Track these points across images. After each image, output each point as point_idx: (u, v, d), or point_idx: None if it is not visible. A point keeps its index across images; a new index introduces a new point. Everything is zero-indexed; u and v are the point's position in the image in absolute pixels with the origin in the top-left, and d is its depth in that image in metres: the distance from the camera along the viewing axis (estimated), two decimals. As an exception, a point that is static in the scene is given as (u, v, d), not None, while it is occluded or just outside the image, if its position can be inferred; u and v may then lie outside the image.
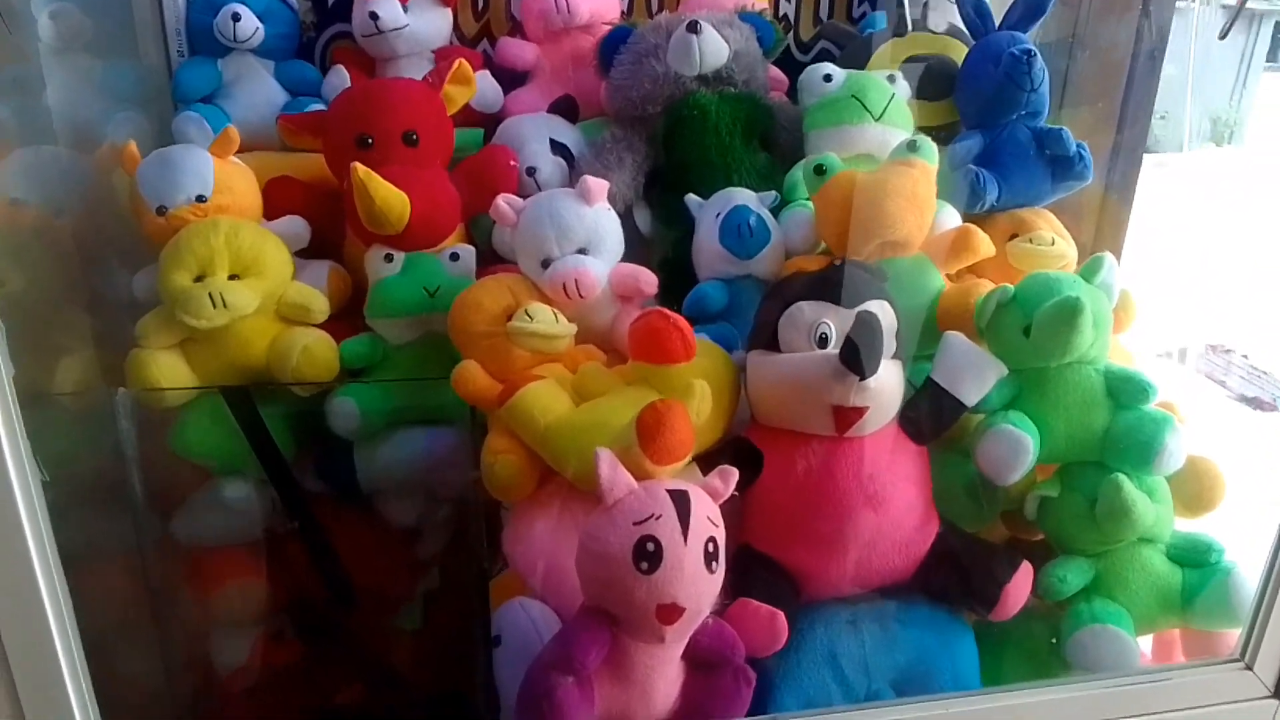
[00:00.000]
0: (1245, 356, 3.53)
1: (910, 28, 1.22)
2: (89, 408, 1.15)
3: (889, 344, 0.97)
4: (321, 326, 1.16)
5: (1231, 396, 3.32)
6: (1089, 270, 1.05)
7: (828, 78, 1.25)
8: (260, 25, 1.31)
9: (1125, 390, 1.02)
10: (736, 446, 1.02)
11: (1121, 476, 0.99)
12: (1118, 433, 1.01)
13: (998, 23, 1.27)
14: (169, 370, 1.09)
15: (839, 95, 1.24)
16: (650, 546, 0.80)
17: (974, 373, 1.01)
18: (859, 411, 0.95)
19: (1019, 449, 0.99)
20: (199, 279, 1.07)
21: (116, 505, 1.17)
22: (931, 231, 1.15)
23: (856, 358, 0.92)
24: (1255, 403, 3.24)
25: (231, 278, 1.08)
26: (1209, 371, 3.48)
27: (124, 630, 1.18)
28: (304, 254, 1.20)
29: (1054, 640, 1.04)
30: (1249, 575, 1.01)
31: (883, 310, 0.98)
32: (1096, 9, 1.51)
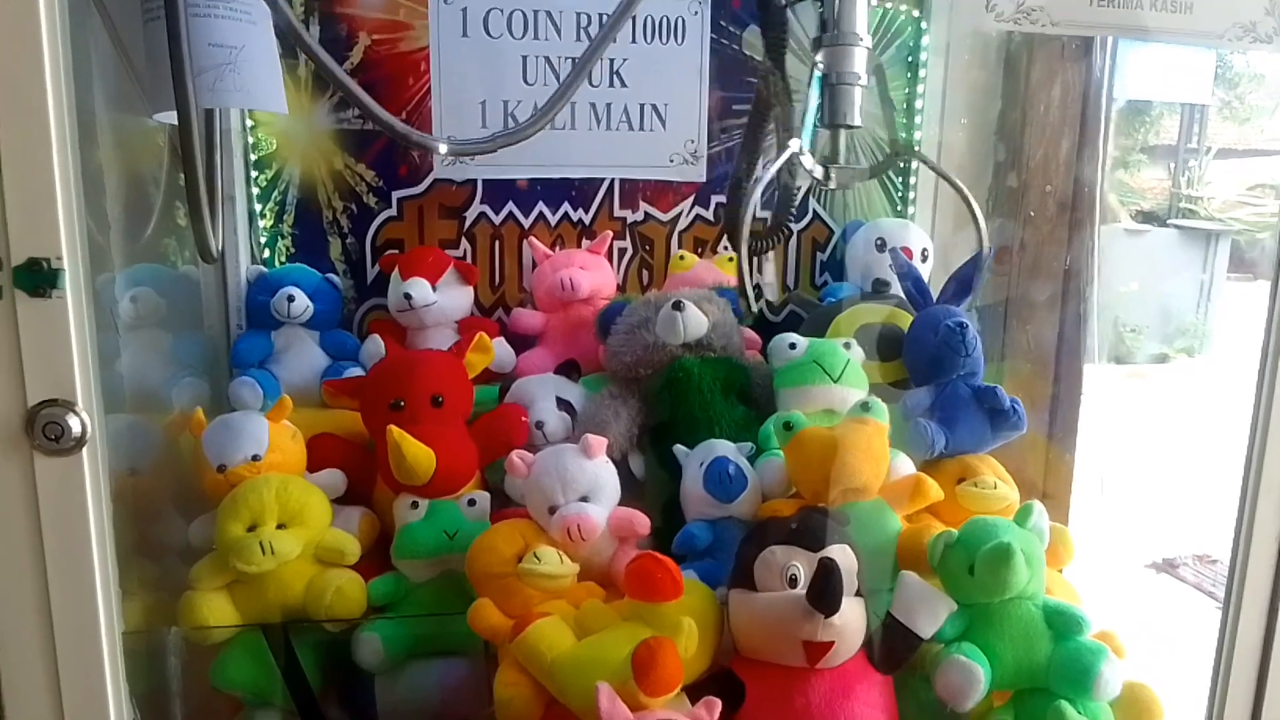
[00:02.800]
0: (1232, 568, 3.59)
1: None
2: (139, 645, 1.27)
3: (850, 584, 1.12)
4: (351, 566, 1.30)
5: (1219, 607, 3.36)
6: (1021, 516, 1.21)
7: (792, 345, 1.45)
8: (310, 303, 1.53)
9: (1061, 623, 1.15)
10: (721, 677, 1.14)
11: (1064, 703, 1.10)
12: (1058, 662, 1.13)
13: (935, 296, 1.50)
14: (217, 610, 1.22)
15: (803, 360, 1.43)
16: (644, 773, 0.92)
17: (927, 608, 1.14)
18: (826, 646, 1.08)
19: (971, 678, 1.11)
20: (251, 529, 1.23)
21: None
22: (888, 477, 1.32)
23: (821, 598, 1.06)
24: (1244, 614, 3.27)
25: (279, 527, 1.24)
26: (1198, 583, 3.54)
27: None
28: (339, 500, 1.36)
29: None
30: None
31: (843, 554, 1.14)
32: (1025, 275, 1.76)
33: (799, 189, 1.43)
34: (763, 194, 1.35)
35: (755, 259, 1.65)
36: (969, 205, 1.42)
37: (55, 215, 0.76)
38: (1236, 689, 0.99)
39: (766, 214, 1.76)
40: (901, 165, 1.71)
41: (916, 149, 1.44)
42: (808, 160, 1.29)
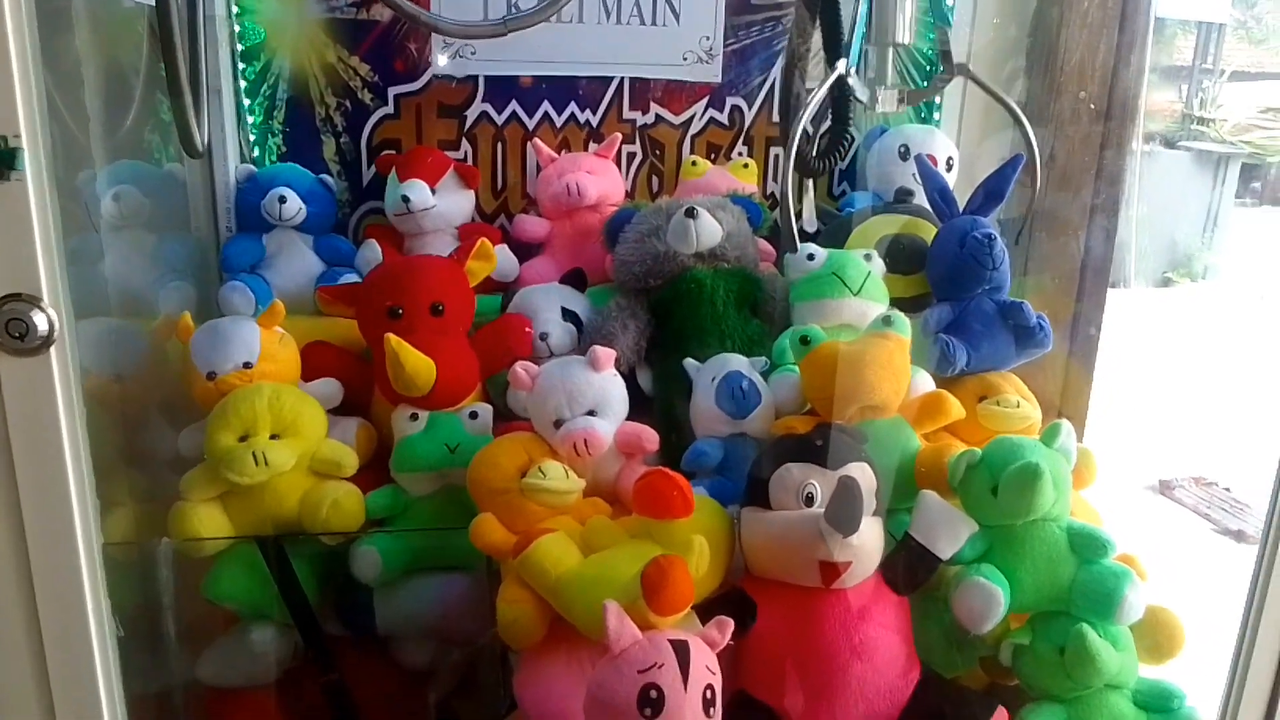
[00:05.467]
0: (1228, 489, 3.61)
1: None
2: (126, 556, 1.24)
3: (869, 503, 1.08)
4: (348, 478, 1.26)
5: (1215, 530, 3.38)
6: (1049, 435, 1.16)
7: (810, 256, 1.38)
8: (303, 205, 1.46)
9: (1086, 546, 1.11)
10: (732, 597, 1.11)
11: (1086, 626, 1.07)
12: (1081, 585, 1.10)
13: (961, 207, 1.43)
14: (209, 522, 1.18)
15: (821, 273, 1.37)
16: (653, 694, 0.89)
17: (947, 529, 1.10)
18: (843, 566, 1.04)
19: (991, 600, 1.08)
20: (243, 439, 1.17)
21: (143, 648, 1.24)
22: (907, 395, 1.27)
23: (839, 518, 1.02)
24: (1239, 535, 3.29)
25: (272, 437, 1.19)
26: (1194, 505, 3.55)
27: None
28: (335, 411, 1.31)
29: (1030, 785, 1.10)
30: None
31: (862, 472, 1.09)
32: (1053, 186, 1.67)
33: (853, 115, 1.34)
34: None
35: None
36: (1023, 129, 1.34)
37: (11, 87, 0.68)
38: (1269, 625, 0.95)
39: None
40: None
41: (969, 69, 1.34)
42: (855, 83, 1.20)
